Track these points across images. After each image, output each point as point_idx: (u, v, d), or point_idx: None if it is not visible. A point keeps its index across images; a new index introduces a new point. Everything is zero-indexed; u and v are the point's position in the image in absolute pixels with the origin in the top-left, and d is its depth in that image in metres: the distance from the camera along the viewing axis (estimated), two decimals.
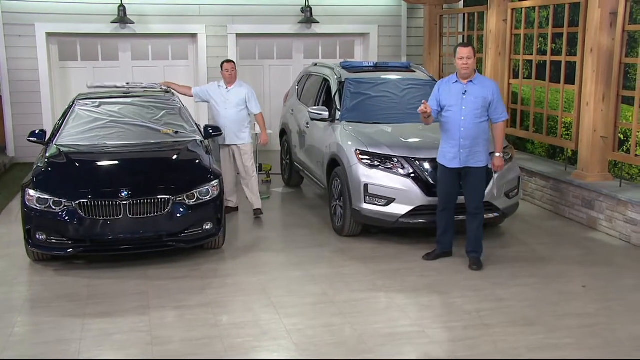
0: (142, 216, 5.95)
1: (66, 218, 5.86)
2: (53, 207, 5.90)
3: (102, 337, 4.75)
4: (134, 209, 5.93)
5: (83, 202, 5.87)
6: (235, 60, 11.57)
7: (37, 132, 7.24)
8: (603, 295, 5.53)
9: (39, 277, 5.97)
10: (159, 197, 6.00)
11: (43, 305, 5.36)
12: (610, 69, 7.34)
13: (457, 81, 5.99)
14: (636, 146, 7.21)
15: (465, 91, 5.91)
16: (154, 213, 5.98)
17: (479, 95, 5.88)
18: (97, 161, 6.64)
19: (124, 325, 4.94)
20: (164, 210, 6.00)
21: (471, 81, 5.93)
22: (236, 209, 7.98)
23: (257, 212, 7.79)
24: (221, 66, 7.80)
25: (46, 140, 7.12)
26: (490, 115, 5.97)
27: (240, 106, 7.74)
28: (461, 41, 11.52)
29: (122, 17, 10.83)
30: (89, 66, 11.48)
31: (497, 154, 6.07)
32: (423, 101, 5.99)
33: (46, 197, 5.93)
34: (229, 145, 7.80)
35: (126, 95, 7.92)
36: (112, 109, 7.40)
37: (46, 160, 6.51)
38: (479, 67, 10.26)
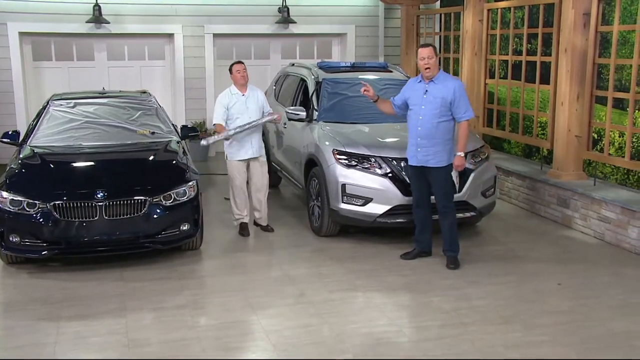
0: (118, 217, 5.90)
1: (41, 220, 5.79)
2: (27, 208, 5.81)
3: (77, 340, 4.70)
4: (110, 210, 5.87)
5: (58, 204, 5.80)
6: (212, 61, 11.60)
7: (10, 132, 7.15)
8: (578, 292, 5.60)
9: (13, 280, 5.88)
10: (135, 198, 5.95)
11: (17, 308, 5.28)
12: (584, 69, 7.43)
13: (420, 81, 6.07)
14: (609, 145, 7.31)
15: (426, 91, 5.97)
16: (130, 214, 5.93)
17: (438, 95, 5.92)
18: (72, 162, 6.57)
19: (101, 328, 4.89)
20: (140, 212, 5.95)
21: (432, 81, 5.97)
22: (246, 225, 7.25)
23: (269, 229, 7.25)
24: (230, 69, 7.09)
25: (20, 141, 7.03)
26: (453, 114, 5.97)
27: (260, 112, 7.09)
28: (438, 41, 11.59)
29: (97, 17, 10.71)
30: (63, 66, 11.34)
31: (459, 153, 6.03)
32: (364, 83, 6.19)
33: (20, 198, 5.84)
34: (249, 159, 7.08)
35: (102, 95, 7.84)
36: (87, 109, 7.33)
37: (19, 161, 6.42)
38: (456, 67, 10.33)
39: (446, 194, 6.09)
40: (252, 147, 7.03)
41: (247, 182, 7.21)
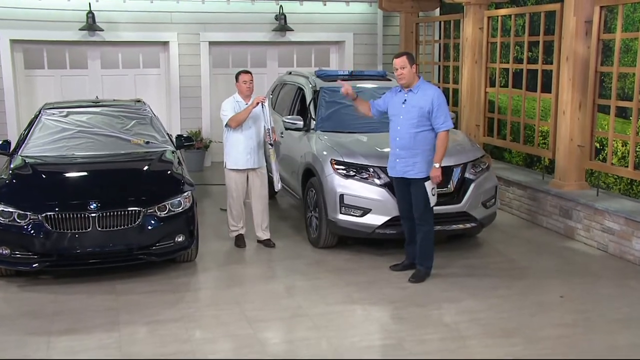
0: (111, 229, 5.89)
1: (32, 232, 5.78)
2: (18, 220, 5.81)
3: (68, 356, 4.69)
4: (104, 221, 5.87)
5: (50, 215, 5.80)
6: (207, 69, 11.64)
7: (1, 142, 7.16)
8: (580, 305, 5.60)
9: (2, 293, 5.87)
10: (129, 209, 5.95)
11: (6, 323, 5.26)
12: (586, 77, 7.46)
13: (400, 90, 6.10)
14: (612, 155, 7.34)
15: (405, 100, 5.99)
16: (124, 225, 5.93)
17: (415, 104, 5.92)
18: (65, 172, 6.58)
19: (92, 343, 4.88)
20: (134, 223, 5.96)
21: (411, 90, 5.98)
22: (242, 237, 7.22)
23: (270, 244, 7.17)
24: (237, 77, 7.01)
25: (10, 151, 7.04)
26: (432, 124, 5.94)
27: (262, 122, 6.97)
28: (437, 49, 11.66)
29: (90, 24, 10.73)
30: (56, 74, 11.35)
31: (435, 165, 5.92)
32: (343, 84, 6.29)
33: (10, 210, 5.84)
34: (249, 170, 7.04)
35: (95, 104, 7.86)
36: (80, 118, 7.35)
37: (10, 171, 6.43)
38: (456, 75, 10.38)
39: (425, 206, 6.01)
40: (252, 158, 6.99)
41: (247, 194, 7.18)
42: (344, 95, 6.36)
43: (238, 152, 6.96)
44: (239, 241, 7.15)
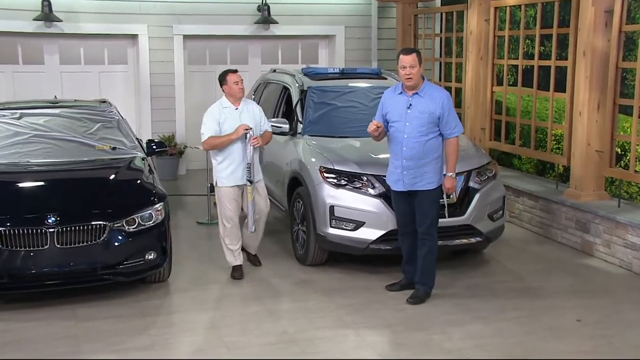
0: (72, 246, 5.87)
1: None
2: None
3: None
4: (63, 237, 5.84)
5: (0, 231, 5.76)
6: (182, 66, 11.65)
7: None
8: (601, 330, 5.62)
9: None
10: (92, 223, 5.93)
11: None
12: (605, 74, 7.52)
13: (402, 92, 6.03)
14: (635, 161, 7.39)
15: (410, 104, 5.94)
16: (87, 242, 5.90)
17: (424, 109, 5.89)
18: (18, 182, 6.56)
19: None
20: (98, 239, 5.94)
21: (417, 93, 5.94)
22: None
23: (257, 263, 7.13)
24: (223, 78, 6.64)
25: None
26: (441, 131, 5.94)
27: (257, 130, 6.68)
28: (438, 44, 11.73)
29: (47, 14, 10.68)
30: (7, 70, 11.29)
31: (449, 174, 5.99)
32: (374, 120, 6.04)
33: None
34: (245, 185, 6.68)
35: (54, 105, 7.85)
36: (36, 121, 7.33)
37: None
38: (459, 72, 10.44)
39: (431, 220, 6.02)
40: (247, 172, 6.59)
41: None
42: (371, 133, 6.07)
43: (234, 165, 6.63)
44: (237, 272, 6.79)
